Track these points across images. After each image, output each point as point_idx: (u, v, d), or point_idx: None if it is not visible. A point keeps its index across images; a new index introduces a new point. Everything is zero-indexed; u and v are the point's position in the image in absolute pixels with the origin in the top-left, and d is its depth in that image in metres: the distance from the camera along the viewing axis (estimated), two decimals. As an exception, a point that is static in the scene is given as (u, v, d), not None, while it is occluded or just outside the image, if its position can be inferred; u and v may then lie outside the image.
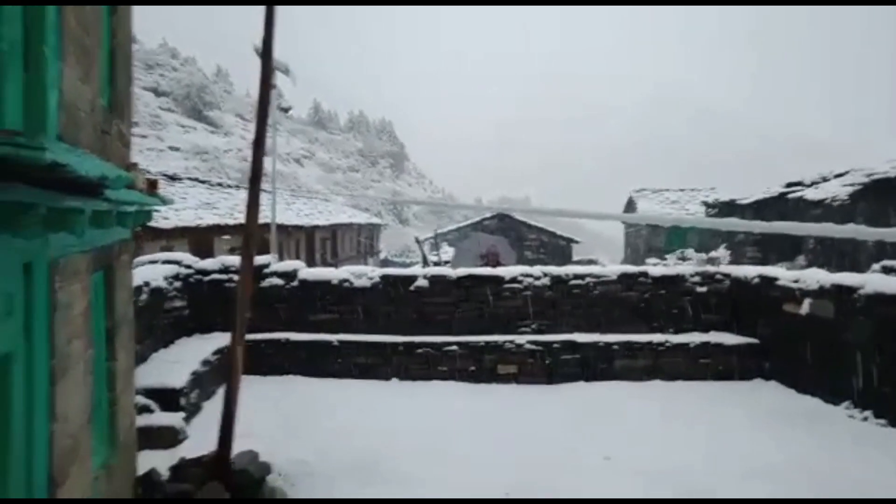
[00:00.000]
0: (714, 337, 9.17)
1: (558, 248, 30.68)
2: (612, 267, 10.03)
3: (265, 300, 9.47)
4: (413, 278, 9.65)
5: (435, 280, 9.62)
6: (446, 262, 16.30)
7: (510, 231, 29.99)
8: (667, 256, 25.46)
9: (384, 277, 9.64)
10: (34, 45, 2.42)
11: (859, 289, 7.49)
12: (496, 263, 10.96)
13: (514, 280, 9.65)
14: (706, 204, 27.95)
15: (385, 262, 36.92)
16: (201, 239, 16.05)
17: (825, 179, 21.77)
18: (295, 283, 9.62)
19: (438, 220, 72.42)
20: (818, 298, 8.01)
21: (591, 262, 34.69)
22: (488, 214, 30.23)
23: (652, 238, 33.51)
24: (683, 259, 20.43)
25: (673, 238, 33.49)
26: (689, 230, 32.75)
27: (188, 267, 9.72)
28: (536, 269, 9.79)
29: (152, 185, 4.86)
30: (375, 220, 40.10)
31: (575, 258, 34.90)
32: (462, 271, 9.81)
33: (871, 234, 2.67)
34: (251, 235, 5.27)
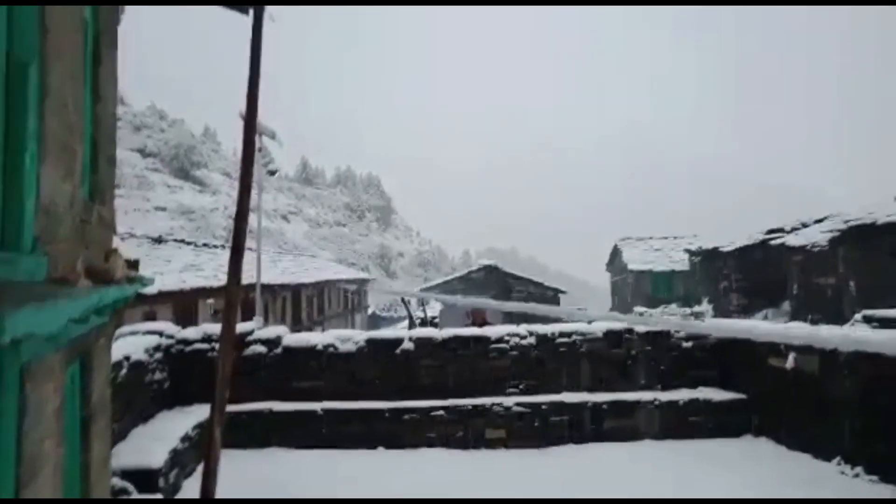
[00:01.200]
0: (702, 393, 9.14)
1: (546, 299, 30.64)
2: (597, 324, 10.02)
3: (248, 369, 9.35)
4: (399, 341, 9.59)
5: (421, 342, 9.57)
6: (433, 319, 16.20)
7: (498, 283, 30.00)
8: (651, 313, 25.51)
9: (369, 341, 9.57)
10: (13, 154, 2.46)
11: (841, 344, 7.52)
12: (483, 322, 10.94)
13: (500, 340, 9.62)
14: (689, 252, 28.24)
15: (373, 318, 36.71)
16: (185, 303, 15.91)
17: (805, 225, 22.16)
18: (278, 351, 9.51)
19: (426, 273, 72.49)
20: (803, 353, 8.04)
21: (580, 311, 34.66)
22: (475, 267, 30.31)
23: (638, 286, 33.70)
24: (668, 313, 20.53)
25: (659, 286, 33.71)
26: (674, 278, 33.02)
27: (170, 337, 9.60)
28: (522, 329, 9.78)
29: (132, 266, 4.85)
30: (362, 275, 40.04)
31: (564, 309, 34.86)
32: (448, 332, 9.77)
33: (765, 334, 2.73)
34: (232, 312, 5.23)
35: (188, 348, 9.52)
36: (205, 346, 9.53)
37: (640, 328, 9.73)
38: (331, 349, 9.47)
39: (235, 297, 5.28)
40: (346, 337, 9.63)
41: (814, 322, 18.32)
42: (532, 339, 9.64)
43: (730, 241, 25.44)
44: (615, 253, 38.62)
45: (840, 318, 16.30)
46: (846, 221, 17.68)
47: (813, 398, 7.92)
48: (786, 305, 20.89)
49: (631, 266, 34.43)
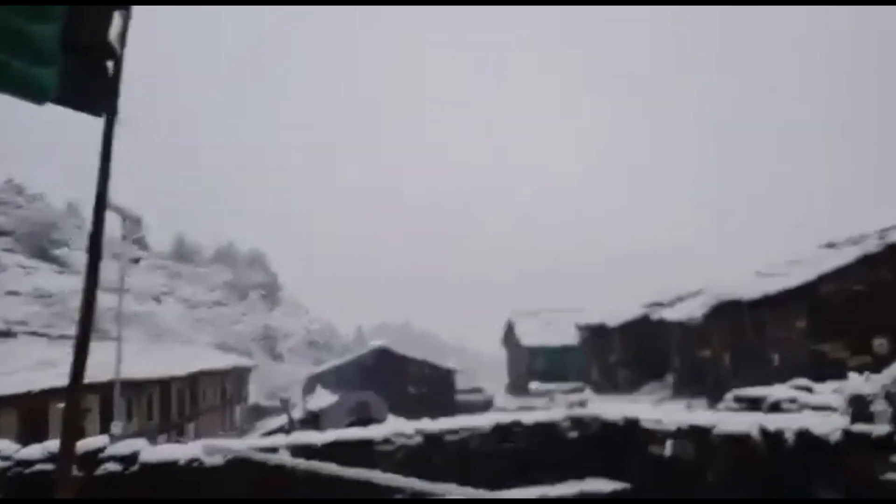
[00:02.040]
0: (589, 485, 9.05)
1: (441, 380, 30.36)
2: (486, 418, 9.82)
3: (99, 493, 8.20)
4: (275, 449, 8.84)
5: (298, 450, 8.87)
6: (317, 415, 15.36)
7: (391, 366, 29.41)
8: (548, 389, 25.82)
9: (244, 451, 8.75)
10: None
11: (712, 429, 7.77)
12: (368, 420, 10.41)
13: (385, 441, 9.12)
14: (578, 327, 29.21)
15: (255, 409, 34.49)
16: (34, 408, 14.13)
17: (681, 299, 23.58)
18: (135, 468, 8.46)
19: (317, 353, 69.88)
20: (678, 439, 8.20)
21: (476, 390, 34.62)
22: (367, 350, 29.63)
23: (532, 362, 34.24)
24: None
25: (553, 361, 34.42)
26: (568, 352, 33.90)
27: (5, 458, 8.29)
28: (409, 427, 9.37)
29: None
30: (244, 362, 37.79)
31: (460, 387, 34.68)
32: (329, 436, 9.16)
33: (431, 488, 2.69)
34: (72, 423, 4.46)
35: (28, 471, 8.25)
36: (49, 466, 8.30)
37: (528, 420, 9.62)
38: (195, 464, 8.55)
39: (76, 405, 4.55)
40: (213, 448, 8.76)
41: (695, 395, 19.19)
42: (419, 439, 9.23)
43: (616, 314, 26.59)
44: (509, 327, 39.28)
45: (719, 392, 17.14)
46: (717, 296, 18.97)
47: (691, 484, 8.03)
48: (669, 378, 21.84)
49: (524, 341, 35.06)
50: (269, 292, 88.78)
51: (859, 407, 6.77)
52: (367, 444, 9.01)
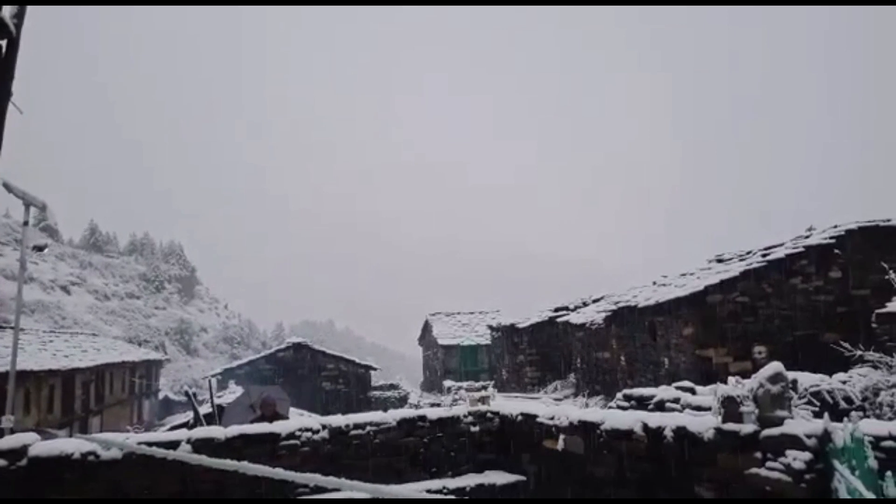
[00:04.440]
0: (487, 477, 9.50)
1: (358, 377, 30.38)
2: (392, 413, 10.10)
3: (-18, 488, 7.86)
4: (176, 443, 8.75)
5: (201, 443, 8.82)
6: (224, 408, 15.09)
7: (308, 362, 29.16)
8: (461, 386, 26.42)
9: (140, 445, 8.60)
10: None
11: (601, 424, 8.37)
12: (273, 415, 10.44)
13: (291, 436, 9.21)
14: (491, 328, 30.08)
15: (165, 403, 33.33)
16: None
17: (585, 304, 24.77)
18: (23, 463, 8.15)
19: (233, 350, 68.05)
20: (570, 435, 8.77)
21: (393, 386, 34.85)
22: (283, 345, 29.24)
23: (447, 360, 34.88)
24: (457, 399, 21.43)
25: (467, 359, 35.21)
26: (480, 351, 34.74)
27: None
28: (315, 422, 9.49)
29: None
30: (155, 355, 36.34)
31: (377, 384, 34.80)
32: (233, 430, 9.14)
33: (334, 483, 3.11)
34: None
35: None
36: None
37: (432, 415, 9.96)
38: (91, 457, 8.34)
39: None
40: (111, 441, 8.56)
41: (594, 393, 20.25)
42: (325, 433, 9.37)
43: (526, 317, 27.56)
44: (426, 327, 39.79)
45: (615, 391, 18.21)
46: (616, 302, 20.08)
47: (581, 478, 8.61)
48: (571, 377, 22.89)
49: (440, 341, 35.66)
50: (186, 286, 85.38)
51: (730, 407, 7.50)
52: (271, 438, 9.08)
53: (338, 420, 9.55)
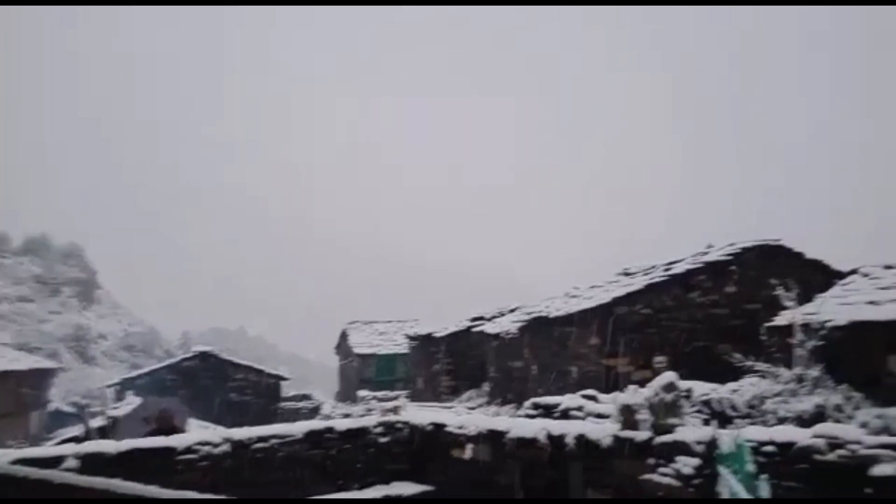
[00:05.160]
0: (395, 489, 9.44)
1: (267, 387, 29.50)
2: (300, 424, 9.89)
3: None
4: (60, 459, 8.14)
5: (90, 459, 8.25)
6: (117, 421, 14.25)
7: (214, 372, 28.02)
8: (375, 396, 26.21)
9: (20, 462, 7.94)
10: None
11: (507, 433, 8.51)
12: (170, 428, 9.94)
13: (188, 450, 8.78)
14: (409, 337, 30.04)
15: (56, 415, 31.01)
16: None
17: (501, 314, 25.16)
18: None
19: (134, 358, 64.39)
20: (478, 443, 8.86)
21: (305, 396, 34.10)
22: (188, 354, 27.97)
23: (363, 370, 34.52)
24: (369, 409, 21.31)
25: (383, 369, 34.97)
26: (397, 361, 34.59)
27: None
28: (215, 435, 9.11)
29: None
30: (46, 364, 33.81)
31: (288, 394, 33.94)
32: (126, 445, 8.63)
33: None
34: None
35: None
36: None
37: (341, 426, 9.80)
38: (-41, 478, 7.61)
39: None
40: (-16, 460, 7.85)
41: (507, 401, 20.59)
42: (226, 447, 9.01)
43: (444, 326, 27.71)
44: (343, 336, 39.23)
45: (527, 398, 18.58)
46: (530, 313, 20.53)
47: (486, 485, 8.71)
48: (485, 386, 23.18)
49: (357, 350, 35.26)
50: (85, 290, 79.98)
51: (628, 415, 7.82)
52: (167, 453, 8.62)
53: (240, 433, 9.21)
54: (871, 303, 11.77)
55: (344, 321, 39.86)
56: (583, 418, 10.39)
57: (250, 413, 26.31)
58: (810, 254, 16.76)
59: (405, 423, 10.12)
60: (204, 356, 27.96)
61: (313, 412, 28.90)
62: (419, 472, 9.88)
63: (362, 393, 29.98)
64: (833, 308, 11.82)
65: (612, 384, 14.36)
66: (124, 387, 27.38)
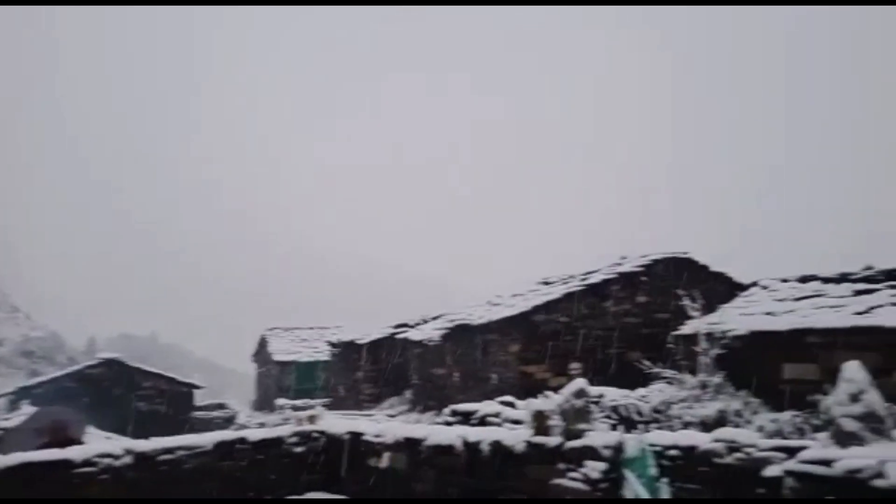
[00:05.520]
0: (308, 499, 9.22)
1: (179, 396, 28.23)
2: (209, 434, 9.51)
3: None
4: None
5: (-29, 476, 7.61)
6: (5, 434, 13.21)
7: (122, 380, 26.55)
8: (293, 405, 25.58)
9: None
10: None
11: (424, 440, 8.52)
12: (66, 440, 9.34)
13: (87, 463, 8.26)
14: (330, 343, 29.54)
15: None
16: None
17: (425, 321, 25.16)
18: None
19: (34, 365, 60.17)
20: (395, 452, 8.82)
21: (220, 405, 32.82)
22: (93, 361, 26.39)
23: (282, 378, 33.62)
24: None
25: (303, 377, 34.17)
26: (318, 368, 33.89)
27: None
28: (117, 447, 8.62)
29: None
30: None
31: (202, 403, 32.57)
32: (15, 459, 8.01)
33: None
34: None
35: None
36: None
37: (253, 436, 9.51)
38: None
39: None
40: None
41: (428, 408, 20.60)
42: (128, 459, 8.53)
43: (367, 333, 27.42)
44: (262, 343, 38.11)
45: (448, 406, 18.65)
46: (453, 320, 20.66)
47: (402, 494, 8.67)
48: (408, 394, 23.10)
49: (276, 357, 34.34)
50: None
51: (540, 421, 7.99)
52: (63, 466, 8.07)
53: (144, 444, 8.75)
54: (769, 314, 12.57)
55: (263, 327, 38.76)
56: (500, 424, 10.51)
57: (159, 424, 25.02)
58: (714, 266, 17.77)
59: (321, 432, 9.93)
60: (110, 363, 26.44)
61: (228, 422, 27.84)
62: (335, 482, 9.71)
63: (281, 401, 29.18)
64: (734, 318, 12.54)
65: (531, 391, 14.65)
66: (20, 396, 25.46)
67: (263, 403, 35.44)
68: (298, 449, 9.68)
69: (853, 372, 5.45)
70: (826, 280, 13.17)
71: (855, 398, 5.31)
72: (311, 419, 10.07)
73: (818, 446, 5.67)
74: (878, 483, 4.98)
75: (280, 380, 33.66)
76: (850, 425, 5.30)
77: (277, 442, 9.55)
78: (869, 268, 13.00)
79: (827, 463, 5.26)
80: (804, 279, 13.63)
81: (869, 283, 12.28)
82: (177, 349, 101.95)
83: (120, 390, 25.96)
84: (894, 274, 12.29)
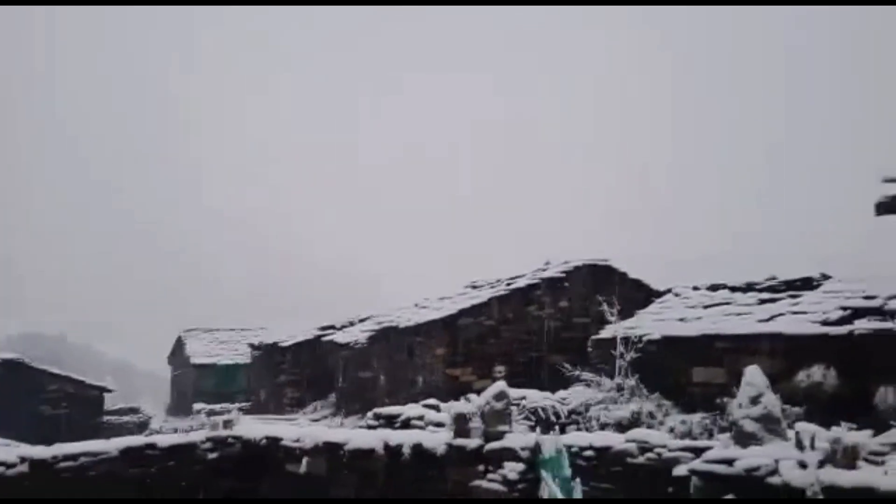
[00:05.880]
0: (223, 507, 8.91)
1: (88, 400, 26.63)
2: (115, 440, 9.02)
3: None
4: None
5: None
6: None
7: (25, 382, 24.78)
8: (212, 409, 24.69)
9: None
10: None
11: (345, 445, 8.40)
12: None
13: (-25, 473, 7.67)
14: (251, 346, 28.76)
15: None
16: None
17: (352, 323, 24.87)
18: None
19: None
20: (314, 457, 8.64)
21: (132, 410, 31.28)
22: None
23: (200, 381, 32.40)
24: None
25: (223, 380, 33.05)
26: (239, 372, 32.86)
27: None
28: (10, 454, 8.06)
29: None
30: None
31: (114, 407, 30.93)
32: None
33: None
34: None
35: None
36: None
37: (164, 442, 9.10)
38: None
39: None
40: None
41: (353, 412, 20.35)
42: (24, 467, 8.00)
43: (292, 335, 26.81)
44: (179, 345, 36.62)
45: (373, 408, 18.49)
46: (380, 322, 20.52)
47: (321, 498, 8.51)
48: (332, 397, 22.76)
49: (194, 359, 33.07)
50: None
51: (461, 424, 8.04)
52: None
53: (42, 451, 8.22)
54: (681, 320, 13.18)
55: (181, 328, 37.23)
56: (423, 428, 10.51)
57: (65, 429, 23.54)
58: (634, 273, 18.44)
59: (237, 437, 9.61)
60: (11, 364, 24.62)
61: (141, 427, 26.53)
62: (252, 488, 9.42)
63: (198, 406, 28.07)
64: (649, 324, 13.07)
65: (456, 393, 14.73)
66: None
67: (179, 408, 34.03)
68: (212, 455, 9.33)
69: (753, 376, 5.77)
70: (734, 289, 13.94)
71: (754, 401, 5.62)
72: (227, 424, 9.73)
73: (721, 446, 5.97)
74: (774, 480, 5.29)
75: (198, 383, 32.40)
76: (750, 426, 5.60)
77: (190, 447, 9.18)
78: (772, 278, 13.85)
79: (728, 462, 5.54)
80: (714, 287, 14.37)
81: (772, 293, 13.10)
82: (88, 350, 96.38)
83: (20, 393, 24.21)
84: (795, 284, 13.17)
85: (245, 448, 9.52)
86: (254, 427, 10.15)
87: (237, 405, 24.47)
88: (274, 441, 9.23)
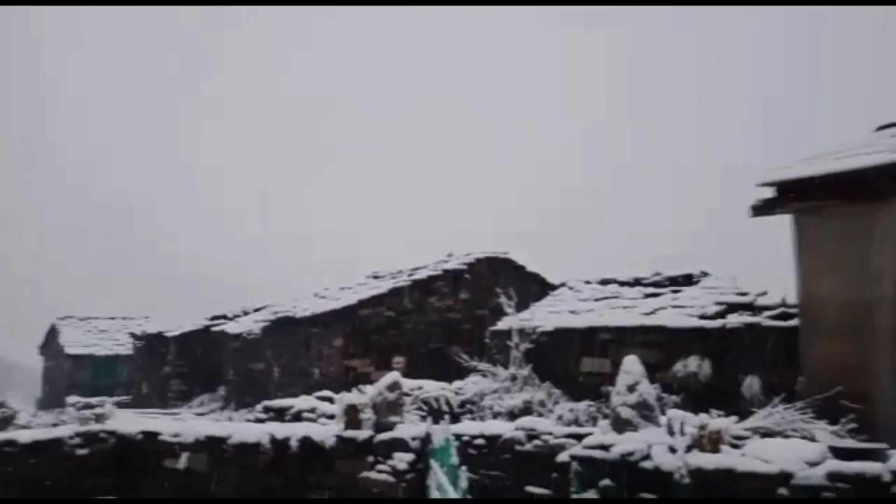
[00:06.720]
0: (91, 507, 8.27)
1: (-58, 394, 24.04)
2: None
3: None
4: None
5: None
6: None
7: None
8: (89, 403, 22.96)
9: None
10: None
11: (228, 439, 8.02)
12: None
13: None
14: (133, 336, 27.10)
15: None
16: None
17: (245, 313, 23.91)
18: None
19: None
20: (195, 452, 8.20)
21: (-2, 405, 28.58)
22: None
23: (76, 373, 30.08)
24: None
25: (101, 372, 30.91)
26: (119, 363, 30.84)
27: None
28: None
29: None
30: None
31: (-28, 402, 28.09)
32: None
33: None
34: None
35: None
36: None
37: (25, 438, 8.32)
38: None
39: None
40: None
41: (244, 405, 19.59)
42: None
43: (178, 325, 25.37)
44: (52, 334, 33.80)
45: (267, 400, 17.86)
46: (276, 312, 19.86)
47: (204, 494, 8.09)
48: (221, 390, 21.79)
49: (69, 349, 30.67)
50: None
51: (352, 415, 7.90)
52: None
53: None
54: (572, 312, 13.68)
55: (55, 315, 34.32)
56: (315, 420, 10.26)
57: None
58: (534, 266, 18.95)
59: (110, 432, 8.94)
60: None
61: (6, 422, 24.26)
62: (127, 486, 8.81)
63: (73, 399, 25.97)
64: (543, 316, 13.46)
65: (354, 385, 14.52)
66: None
67: (52, 402, 31.39)
68: (81, 451, 8.63)
69: (630, 365, 6.03)
70: (622, 283, 14.63)
71: (631, 389, 5.88)
72: (99, 418, 9.05)
73: (599, 432, 6.21)
74: (646, 464, 5.56)
75: (73, 375, 30.07)
76: (626, 413, 5.86)
77: (56, 443, 8.44)
78: (657, 274, 14.66)
79: (605, 448, 5.77)
80: (604, 282, 15.02)
81: (656, 288, 13.86)
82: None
83: None
84: (677, 280, 14.00)
85: (119, 443, 8.88)
86: (129, 421, 9.51)
87: (116, 399, 22.94)
88: (151, 436, 8.67)
